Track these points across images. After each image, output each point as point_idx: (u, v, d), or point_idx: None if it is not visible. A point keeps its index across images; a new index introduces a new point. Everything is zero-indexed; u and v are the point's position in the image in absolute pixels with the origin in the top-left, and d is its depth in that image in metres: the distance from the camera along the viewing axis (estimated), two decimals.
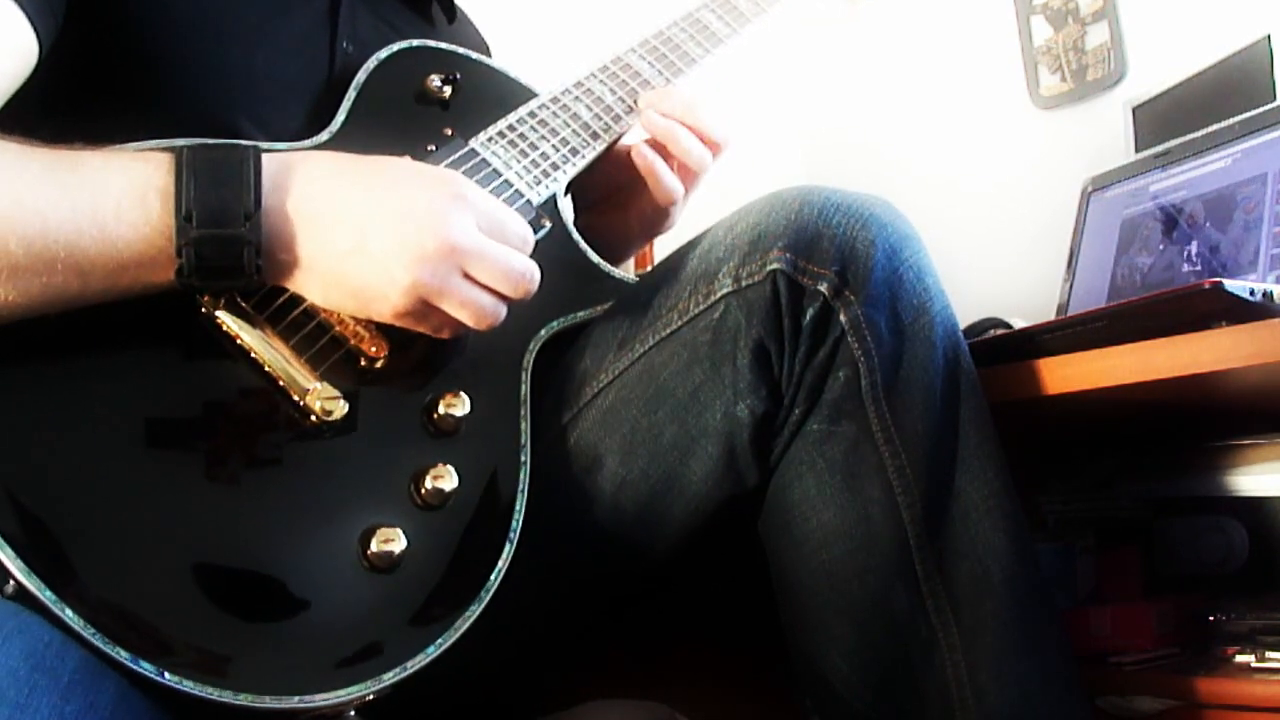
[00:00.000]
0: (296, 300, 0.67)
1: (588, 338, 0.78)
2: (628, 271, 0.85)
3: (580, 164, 0.84)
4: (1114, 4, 1.68)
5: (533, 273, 0.69)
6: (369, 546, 0.62)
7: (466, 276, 0.66)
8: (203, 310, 0.65)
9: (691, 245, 0.77)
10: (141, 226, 0.60)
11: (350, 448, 0.66)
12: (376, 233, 0.64)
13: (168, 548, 0.58)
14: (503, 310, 0.69)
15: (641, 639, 0.90)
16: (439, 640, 0.61)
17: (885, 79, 2.05)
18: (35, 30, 0.68)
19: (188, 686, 0.54)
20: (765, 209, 0.73)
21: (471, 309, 0.67)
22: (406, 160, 0.71)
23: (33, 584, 0.53)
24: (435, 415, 0.68)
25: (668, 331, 0.74)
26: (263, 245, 0.62)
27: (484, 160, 0.79)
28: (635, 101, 0.89)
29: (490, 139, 0.81)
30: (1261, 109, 1.01)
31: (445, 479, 0.66)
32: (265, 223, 0.62)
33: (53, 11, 0.70)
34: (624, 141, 0.90)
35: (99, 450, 0.59)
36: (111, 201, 0.60)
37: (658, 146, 0.86)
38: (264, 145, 0.66)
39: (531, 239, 0.71)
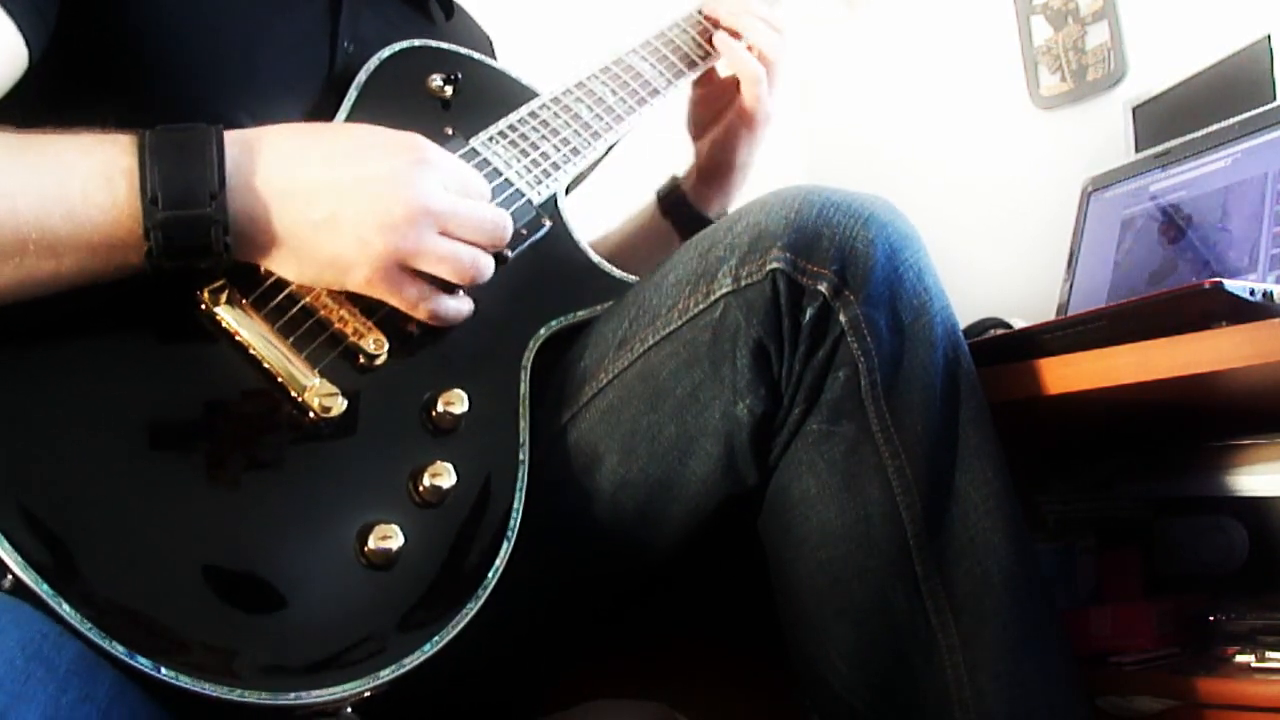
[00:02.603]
0: (295, 297, 0.67)
1: (587, 337, 0.78)
2: (626, 271, 0.85)
3: (581, 164, 0.84)
4: (1114, 4, 1.67)
5: (505, 221, 0.71)
6: (367, 543, 0.62)
7: (443, 234, 0.67)
8: (202, 307, 0.65)
9: (691, 244, 0.76)
10: (109, 209, 0.60)
11: (349, 444, 0.66)
12: (344, 203, 0.65)
13: (165, 544, 0.58)
14: (483, 261, 0.70)
15: (641, 639, 0.90)
16: (436, 638, 0.61)
17: (885, 79, 2.05)
18: (25, 38, 0.68)
19: (184, 682, 0.54)
20: (765, 208, 0.73)
21: (450, 263, 0.68)
22: (367, 126, 0.71)
23: (30, 578, 0.53)
24: (434, 413, 0.68)
25: (667, 331, 0.74)
26: (230, 224, 0.62)
27: (485, 160, 0.79)
28: (636, 102, 0.89)
29: (491, 138, 0.81)
30: (1261, 109, 1.01)
31: (443, 476, 0.65)
32: (231, 201, 0.62)
33: (44, 18, 0.70)
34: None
35: (97, 446, 0.59)
36: (78, 183, 0.60)
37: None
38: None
39: (488, 190, 0.73)
